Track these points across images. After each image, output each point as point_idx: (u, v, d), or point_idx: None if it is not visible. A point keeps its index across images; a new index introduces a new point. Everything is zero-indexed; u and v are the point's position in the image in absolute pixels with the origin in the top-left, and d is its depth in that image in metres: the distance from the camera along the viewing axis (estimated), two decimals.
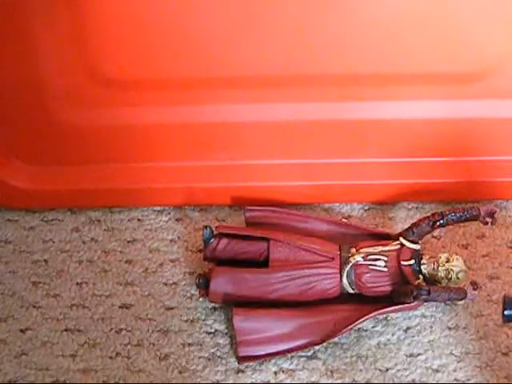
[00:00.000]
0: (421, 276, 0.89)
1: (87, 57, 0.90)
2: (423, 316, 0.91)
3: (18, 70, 0.91)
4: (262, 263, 0.92)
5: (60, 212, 1.02)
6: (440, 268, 0.89)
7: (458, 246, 0.97)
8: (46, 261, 0.97)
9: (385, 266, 0.89)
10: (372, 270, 0.89)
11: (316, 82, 0.94)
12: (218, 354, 0.89)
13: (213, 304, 0.92)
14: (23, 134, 0.97)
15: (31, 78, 0.91)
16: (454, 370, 0.87)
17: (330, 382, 0.87)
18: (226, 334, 0.90)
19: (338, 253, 0.90)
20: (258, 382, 0.87)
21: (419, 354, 0.88)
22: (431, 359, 0.88)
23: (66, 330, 0.91)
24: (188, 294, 0.94)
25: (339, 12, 0.87)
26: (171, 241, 0.99)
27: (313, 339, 0.88)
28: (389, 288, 0.89)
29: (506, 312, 0.79)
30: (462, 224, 0.96)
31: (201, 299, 0.93)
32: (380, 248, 0.90)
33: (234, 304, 0.90)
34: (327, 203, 1.01)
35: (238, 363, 0.88)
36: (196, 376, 0.88)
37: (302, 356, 0.88)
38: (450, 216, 0.91)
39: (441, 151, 0.98)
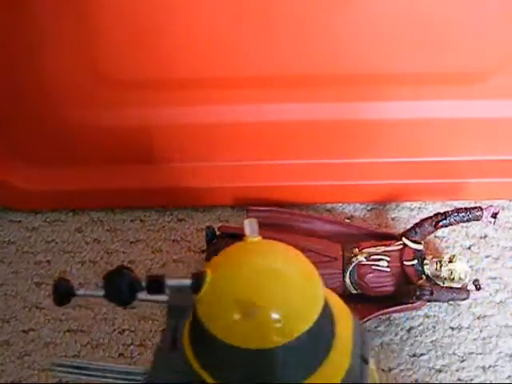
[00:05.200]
0: (424, 276, 0.89)
1: (91, 57, 0.90)
2: (426, 316, 0.91)
3: (22, 71, 0.91)
4: None
5: (63, 213, 1.02)
6: (443, 268, 0.89)
7: (460, 246, 0.97)
8: (48, 261, 0.97)
9: (387, 266, 0.89)
10: (375, 270, 0.89)
11: (317, 83, 0.94)
12: None
13: None
14: (26, 135, 0.97)
15: (35, 78, 0.92)
16: (457, 370, 0.87)
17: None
18: None
19: (341, 253, 0.90)
20: None
21: (422, 354, 0.88)
22: (434, 359, 0.88)
23: (68, 331, 0.91)
24: None
25: (339, 12, 0.87)
26: (174, 241, 0.99)
27: None
28: (391, 288, 0.89)
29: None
30: (464, 224, 0.96)
31: None
32: (383, 248, 0.90)
33: None
34: (330, 203, 1.01)
35: None
36: None
37: None
38: (452, 216, 0.91)
39: (445, 151, 0.98)
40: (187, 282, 0.58)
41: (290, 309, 0.57)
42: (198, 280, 0.58)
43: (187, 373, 0.59)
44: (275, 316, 0.56)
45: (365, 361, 0.61)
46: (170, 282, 0.59)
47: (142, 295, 0.59)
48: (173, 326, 0.62)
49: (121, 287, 0.58)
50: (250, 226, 0.61)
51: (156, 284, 0.59)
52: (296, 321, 0.57)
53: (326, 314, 0.60)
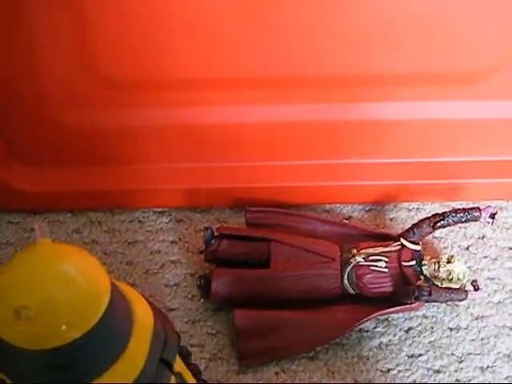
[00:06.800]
0: (422, 277, 0.89)
1: (89, 58, 0.90)
2: (424, 317, 0.91)
3: (19, 72, 0.91)
4: (264, 264, 0.91)
5: (61, 214, 1.02)
6: (441, 269, 0.89)
7: (459, 247, 0.97)
8: None
9: (386, 267, 0.89)
10: (373, 270, 0.89)
11: (317, 84, 0.94)
12: (220, 355, 0.89)
13: (214, 305, 0.92)
14: (24, 136, 0.97)
15: (33, 79, 0.91)
16: (455, 371, 0.87)
17: (331, 382, 0.86)
18: (228, 334, 0.90)
19: (339, 254, 0.90)
20: (260, 382, 0.87)
21: (420, 355, 0.88)
22: (432, 360, 0.88)
23: None
24: (189, 296, 0.94)
25: (340, 12, 0.87)
26: (172, 242, 0.99)
27: (314, 340, 0.87)
28: (390, 289, 0.89)
29: None
30: (463, 225, 0.96)
31: (202, 300, 0.93)
32: (381, 249, 0.90)
33: (235, 305, 0.89)
34: (328, 204, 1.01)
35: (240, 364, 0.88)
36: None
37: (303, 357, 0.88)
38: (450, 217, 0.91)
39: (443, 151, 0.98)
40: None
41: (67, 309, 0.57)
42: None
43: None
44: (52, 317, 0.57)
45: (165, 363, 0.62)
46: None
47: None
48: None
49: None
50: (39, 229, 0.60)
51: None
52: (77, 321, 0.57)
53: (119, 314, 0.60)
